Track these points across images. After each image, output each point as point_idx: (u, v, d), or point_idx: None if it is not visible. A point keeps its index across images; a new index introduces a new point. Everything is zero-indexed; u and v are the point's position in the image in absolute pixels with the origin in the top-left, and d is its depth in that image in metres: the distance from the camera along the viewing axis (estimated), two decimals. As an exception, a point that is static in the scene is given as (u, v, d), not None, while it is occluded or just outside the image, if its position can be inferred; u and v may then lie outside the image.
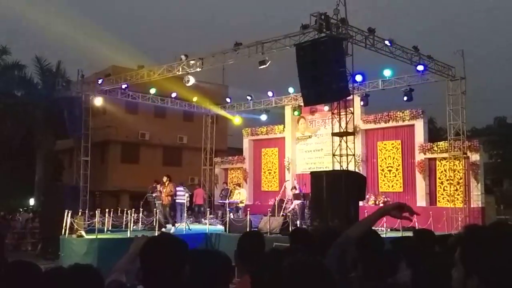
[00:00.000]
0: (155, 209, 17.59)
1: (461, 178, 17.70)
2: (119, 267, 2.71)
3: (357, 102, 19.36)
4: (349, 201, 13.12)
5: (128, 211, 16.45)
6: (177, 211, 19.30)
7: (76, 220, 15.15)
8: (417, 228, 8.20)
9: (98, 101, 22.03)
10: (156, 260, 2.22)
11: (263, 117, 23.73)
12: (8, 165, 29.03)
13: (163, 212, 16.87)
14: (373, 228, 3.18)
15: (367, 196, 18.25)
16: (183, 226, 17.06)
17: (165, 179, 17.14)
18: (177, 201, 18.77)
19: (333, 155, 15.15)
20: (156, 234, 2.67)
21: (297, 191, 18.32)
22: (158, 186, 17.51)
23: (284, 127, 23.28)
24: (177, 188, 18.68)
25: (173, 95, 23.24)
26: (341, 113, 14.95)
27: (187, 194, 18.54)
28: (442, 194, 18.57)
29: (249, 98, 23.72)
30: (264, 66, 16.18)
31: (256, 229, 14.61)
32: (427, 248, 4.09)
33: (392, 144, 19.96)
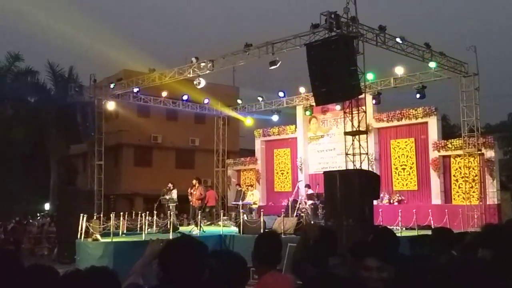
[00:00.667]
0: (169, 212, 17.69)
1: (476, 175, 17.52)
2: (136, 270, 2.71)
3: (369, 100, 19.21)
4: (363, 200, 13.02)
5: (143, 214, 16.53)
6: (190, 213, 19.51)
7: (91, 224, 15.23)
8: (433, 226, 8.11)
9: (110, 106, 22.18)
10: (177, 262, 2.21)
11: (275, 118, 23.69)
12: (22, 170, 29.35)
13: (192, 214, 17.20)
14: (388, 227, 3.15)
15: (381, 195, 18.12)
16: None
17: (194, 181, 17.78)
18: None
19: (346, 154, 15.06)
20: (174, 236, 2.63)
21: (310, 191, 18.28)
22: (189, 189, 17.97)
23: (296, 127, 23.22)
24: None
25: (185, 97, 23.31)
26: (353, 112, 14.85)
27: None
28: (458, 192, 18.39)
29: (260, 99, 23.70)
30: (275, 66, 16.16)
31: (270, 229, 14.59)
32: (445, 246, 4.05)
33: (406, 142, 19.82)
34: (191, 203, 17.87)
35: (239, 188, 21.57)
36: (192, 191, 17.59)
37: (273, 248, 3.17)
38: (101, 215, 17.03)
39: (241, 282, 2.71)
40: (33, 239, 22.11)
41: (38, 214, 26.53)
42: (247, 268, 2.79)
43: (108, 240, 14.39)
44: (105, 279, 2.26)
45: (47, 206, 30.30)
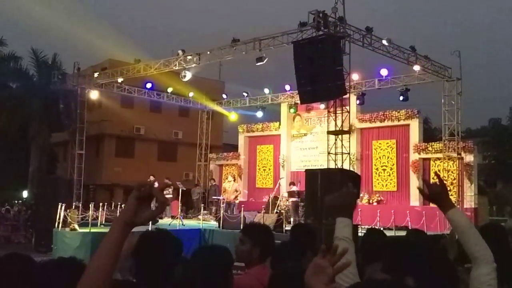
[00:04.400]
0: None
1: (454, 179, 17.78)
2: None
3: (353, 101, 19.34)
4: (343, 199, 13.12)
5: (122, 205, 16.43)
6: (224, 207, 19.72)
7: (69, 213, 15.11)
8: (410, 228, 8.24)
9: (94, 95, 21.94)
10: (149, 255, 2.21)
11: (259, 114, 23.73)
12: (2, 157, 28.90)
13: (225, 208, 18.09)
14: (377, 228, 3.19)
15: (361, 195, 18.30)
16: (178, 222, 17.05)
17: (230, 178, 19.84)
18: (166, 196, 18.99)
19: (328, 153, 15.18)
20: (150, 229, 2.67)
21: (294, 188, 18.33)
22: (223, 184, 19.79)
23: (279, 124, 23.28)
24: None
25: (169, 90, 23.16)
26: (337, 112, 14.97)
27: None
28: (436, 194, 18.60)
29: (245, 94, 23.71)
30: (261, 63, 16.18)
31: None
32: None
33: (387, 143, 20.01)
34: (224, 198, 18.77)
35: (214, 183, 21.56)
36: (227, 186, 18.89)
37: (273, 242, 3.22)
38: (80, 205, 16.89)
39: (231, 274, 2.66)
40: (10, 227, 21.83)
41: (16, 202, 26.14)
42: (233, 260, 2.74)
43: (86, 230, 14.28)
44: (73, 269, 2.23)
45: (25, 194, 29.90)
